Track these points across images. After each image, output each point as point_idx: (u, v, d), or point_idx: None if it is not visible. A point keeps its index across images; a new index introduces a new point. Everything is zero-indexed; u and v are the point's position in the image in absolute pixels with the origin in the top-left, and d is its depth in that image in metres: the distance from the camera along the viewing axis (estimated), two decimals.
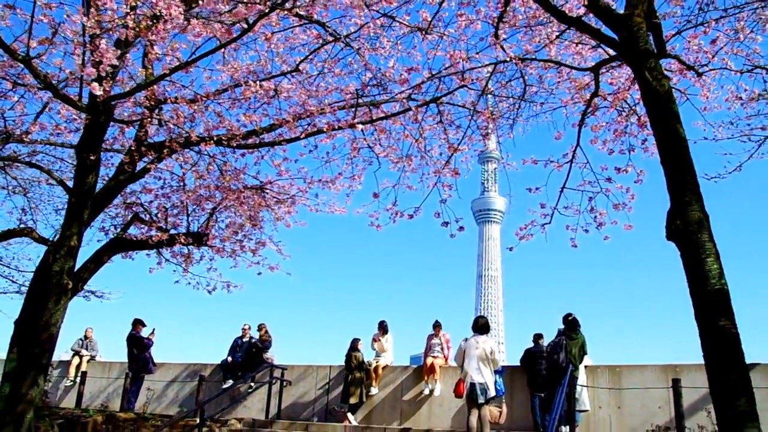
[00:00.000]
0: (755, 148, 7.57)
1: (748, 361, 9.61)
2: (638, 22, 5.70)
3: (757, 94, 7.76)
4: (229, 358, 13.78)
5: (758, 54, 8.09)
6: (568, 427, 10.32)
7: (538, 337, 11.47)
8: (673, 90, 8.66)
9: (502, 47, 7.56)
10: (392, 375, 12.59)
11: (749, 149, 7.56)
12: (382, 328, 12.97)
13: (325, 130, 8.23)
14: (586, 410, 10.68)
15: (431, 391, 11.84)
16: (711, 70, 8.33)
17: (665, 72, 8.60)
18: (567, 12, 6.69)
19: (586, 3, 6.11)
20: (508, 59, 7.01)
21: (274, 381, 12.91)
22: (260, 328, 14.15)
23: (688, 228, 4.94)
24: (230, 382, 13.39)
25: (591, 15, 6.76)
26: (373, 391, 12.28)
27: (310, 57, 8.16)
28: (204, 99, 8.20)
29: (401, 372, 12.59)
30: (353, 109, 8.52)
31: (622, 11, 6.03)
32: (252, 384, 13.49)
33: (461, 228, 8.24)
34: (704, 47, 8.15)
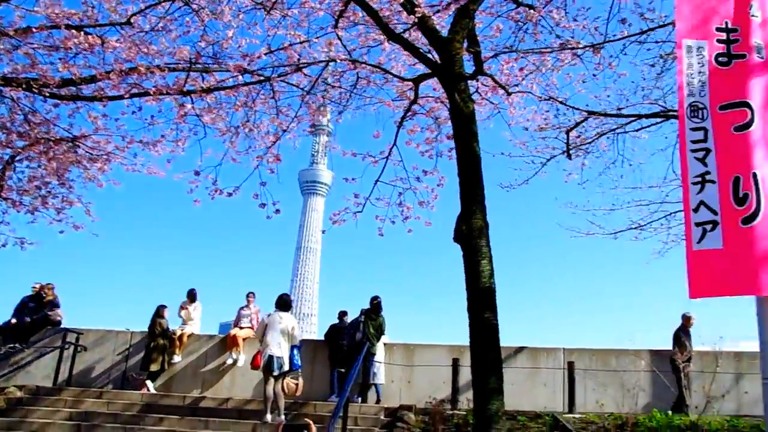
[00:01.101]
0: (539, 167, 9.15)
1: (516, 344, 11.39)
2: (457, 47, 6.66)
3: (547, 124, 9.33)
4: (14, 320, 12.90)
5: (555, 86, 9.72)
6: (360, 397, 11.50)
7: (342, 314, 12.49)
8: (488, 103, 10.12)
9: (339, 39, 8.18)
10: (197, 344, 12.79)
11: (535, 168, 9.14)
12: (191, 296, 13.10)
13: (151, 92, 8.20)
14: (381, 383, 11.89)
15: (234, 362, 12.28)
16: (519, 92, 9.81)
17: (483, 86, 9.97)
18: (399, 23, 7.50)
19: (416, 21, 6.94)
20: (339, 59, 7.65)
21: (66, 346, 12.41)
22: (43, 288, 13.26)
23: (471, 233, 6.02)
24: (13, 345, 12.58)
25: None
26: (176, 359, 12.40)
27: (144, 11, 8.06)
28: (10, 36, 7.69)
29: (206, 341, 12.84)
30: (184, 74, 8.57)
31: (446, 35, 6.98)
32: (39, 349, 12.79)
33: (277, 211, 8.77)
34: (514, 72, 9.56)
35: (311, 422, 7.71)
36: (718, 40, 3.89)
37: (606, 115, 9.16)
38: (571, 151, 9.67)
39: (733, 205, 3.56)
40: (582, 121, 9.48)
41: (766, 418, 3.69)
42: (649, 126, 9.69)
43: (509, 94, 9.64)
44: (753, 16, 4.03)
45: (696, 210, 3.58)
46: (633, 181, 11.30)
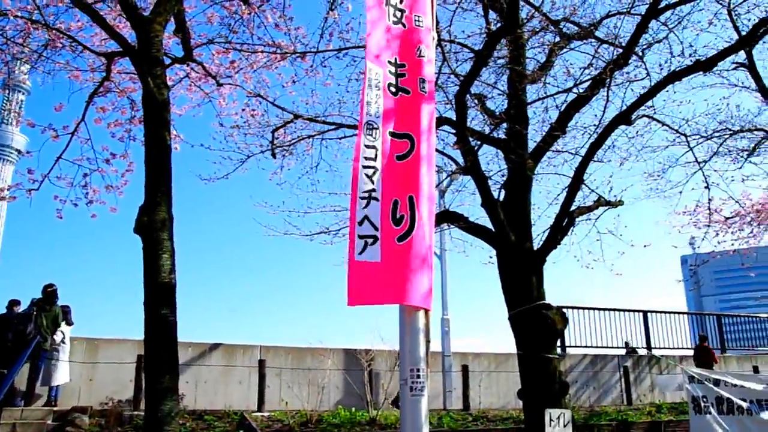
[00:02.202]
0: (240, 164, 9.36)
1: (212, 341, 11.31)
2: (157, 29, 6.41)
3: (255, 120, 9.59)
4: None
5: (267, 84, 9.99)
6: (24, 400, 10.29)
7: (13, 304, 11.02)
8: (199, 90, 9.97)
9: None
10: None
11: (235, 164, 9.32)
12: None
13: None
14: (60, 383, 10.72)
15: None
16: (230, 84, 9.86)
17: (194, 72, 9.79)
18: None
19: None
20: (13, 15, 6.82)
21: None
22: None
23: (153, 225, 5.87)
24: None
25: None
26: None
27: None
28: None
29: None
30: None
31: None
32: None
33: None
34: (226, 63, 9.59)
35: None
36: (390, 72, 4.35)
37: (311, 119, 9.70)
38: (276, 151, 10.03)
39: (391, 224, 3.97)
40: (289, 122, 9.89)
41: (402, 419, 4.29)
42: (351, 136, 10.52)
43: (219, 84, 9.66)
44: (421, 56, 4.71)
45: (360, 223, 3.86)
46: (332, 187, 12.15)
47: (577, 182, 8.33)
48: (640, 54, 9.61)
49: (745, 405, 10.25)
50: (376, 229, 3.88)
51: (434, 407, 12.11)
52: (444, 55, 8.46)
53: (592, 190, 9.03)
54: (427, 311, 4.32)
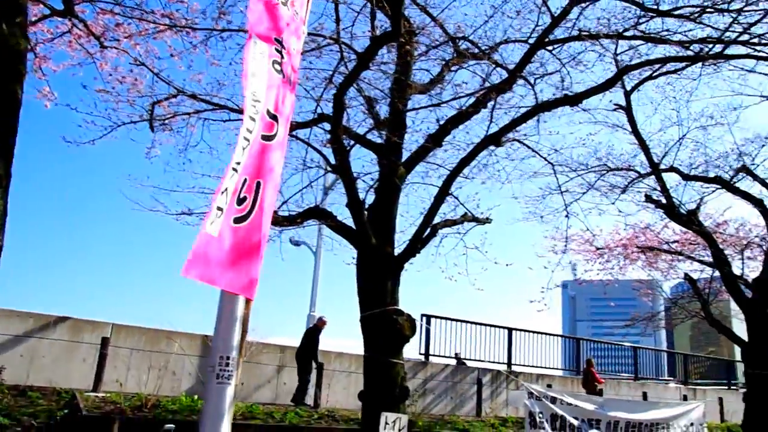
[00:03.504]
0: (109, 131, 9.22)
1: (58, 314, 10.76)
2: None
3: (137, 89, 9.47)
4: None
5: (155, 54, 9.86)
6: None
7: None
8: (82, 49, 9.67)
9: None
10: None
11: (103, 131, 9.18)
12: None
13: None
14: None
15: None
16: (115, 47, 9.65)
17: (77, 30, 9.50)
18: None
19: None
20: None
21: None
22: None
23: None
24: None
25: None
26: None
27: None
28: None
29: None
30: None
31: None
32: None
33: None
34: (112, 26, 9.41)
35: None
36: (276, 50, 4.42)
37: (194, 97, 9.65)
38: (154, 124, 9.91)
39: (234, 203, 3.88)
40: (171, 97, 9.80)
41: (204, 405, 4.32)
42: (236, 120, 10.52)
43: (103, 47, 9.43)
44: (295, 46, 4.90)
45: (224, 192, 3.74)
46: (209, 169, 12.02)
47: (443, 194, 8.82)
48: (532, 82, 10.32)
49: (576, 423, 11.17)
50: (225, 202, 3.78)
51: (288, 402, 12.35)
52: (342, 54, 8.69)
53: (461, 203, 9.58)
54: (249, 301, 4.48)
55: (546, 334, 18.76)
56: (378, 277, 8.82)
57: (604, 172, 15.31)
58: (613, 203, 15.39)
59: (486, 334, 17.07)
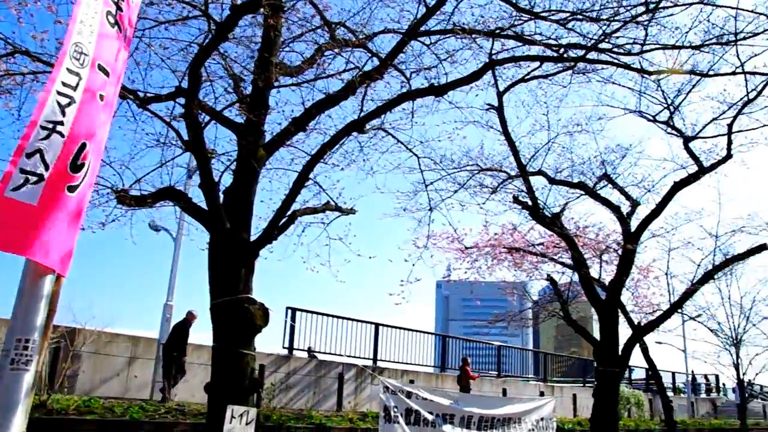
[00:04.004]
0: None
1: None
2: None
3: None
4: None
5: None
6: None
7: None
8: None
9: None
10: None
11: None
12: None
13: None
14: None
15: None
16: None
17: None
18: None
19: None
20: None
21: None
22: None
23: None
24: None
25: None
26: None
27: None
28: None
29: None
30: None
31: None
32: None
33: None
34: None
35: None
36: (113, 1, 4.02)
37: (30, 56, 8.82)
38: None
39: (68, 169, 3.53)
40: (7, 55, 8.91)
41: None
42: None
43: None
44: (133, 1, 4.49)
45: (30, 156, 3.34)
46: None
47: (302, 179, 8.60)
48: (408, 75, 10.32)
49: (431, 417, 11.38)
50: (47, 168, 3.40)
51: (142, 397, 11.73)
52: (209, 26, 8.24)
53: (323, 190, 9.40)
54: (60, 277, 4.06)
55: (413, 330, 19.04)
56: (231, 264, 8.46)
57: (476, 171, 15.76)
58: (483, 203, 15.87)
59: (353, 329, 17.08)
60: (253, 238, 8.60)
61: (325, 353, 16.03)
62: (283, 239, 9.77)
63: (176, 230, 13.79)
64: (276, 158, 10.00)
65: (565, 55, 10.48)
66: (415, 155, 10.78)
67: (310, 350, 15.82)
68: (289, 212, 8.83)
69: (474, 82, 9.81)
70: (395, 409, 10.92)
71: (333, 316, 16.48)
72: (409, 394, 11.25)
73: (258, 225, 9.29)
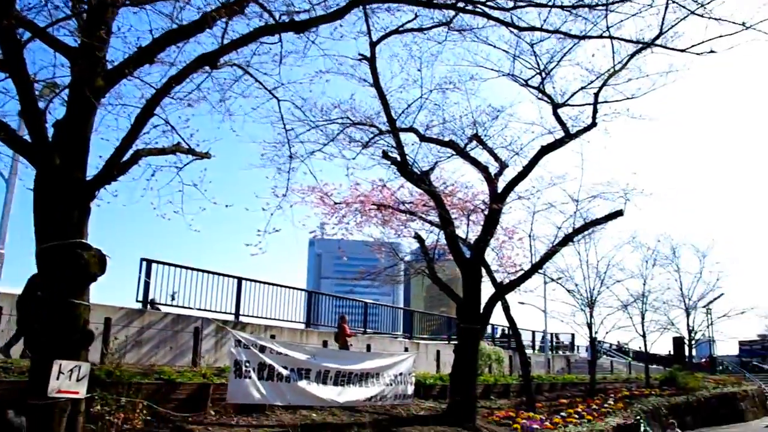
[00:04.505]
0: None
1: None
2: None
3: None
4: None
5: None
6: None
7: None
8: None
9: None
10: None
11: None
12: None
13: None
14: None
15: None
16: None
17: None
18: None
19: None
20: None
21: None
22: None
23: None
24: None
25: None
26: None
27: None
28: None
29: None
30: None
31: None
32: None
33: None
34: None
35: None
36: None
37: None
38: None
39: None
40: None
41: None
42: None
43: None
44: None
45: None
46: None
47: (146, 114, 7.93)
48: (277, 17, 9.74)
49: (285, 372, 11.20)
50: None
51: None
52: None
53: (173, 128, 8.74)
54: None
55: (278, 285, 18.71)
56: (62, 205, 7.69)
57: (348, 125, 15.49)
58: (354, 158, 15.67)
59: (215, 282, 16.47)
60: (85, 175, 7.87)
61: (183, 307, 15.35)
62: (131, 183, 9.09)
63: (8, 171, 12.49)
64: (123, 94, 9.20)
65: (434, 1, 10.32)
66: (276, 97, 10.29)
67: (153, 302, 15.04)
68: (131, 150, 8.13)
69: (339, 20, 9.44)
70: (247, 364, 10.61)
71: (192, 268, 15.76)
72: (263, 348, 10.98)
73: (99, 165, 8.52)
